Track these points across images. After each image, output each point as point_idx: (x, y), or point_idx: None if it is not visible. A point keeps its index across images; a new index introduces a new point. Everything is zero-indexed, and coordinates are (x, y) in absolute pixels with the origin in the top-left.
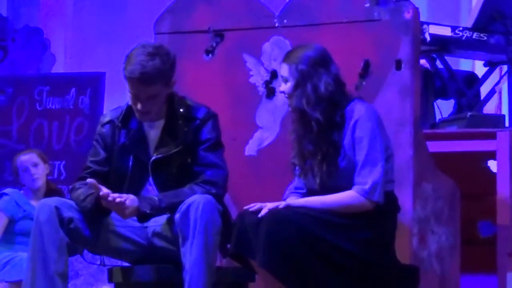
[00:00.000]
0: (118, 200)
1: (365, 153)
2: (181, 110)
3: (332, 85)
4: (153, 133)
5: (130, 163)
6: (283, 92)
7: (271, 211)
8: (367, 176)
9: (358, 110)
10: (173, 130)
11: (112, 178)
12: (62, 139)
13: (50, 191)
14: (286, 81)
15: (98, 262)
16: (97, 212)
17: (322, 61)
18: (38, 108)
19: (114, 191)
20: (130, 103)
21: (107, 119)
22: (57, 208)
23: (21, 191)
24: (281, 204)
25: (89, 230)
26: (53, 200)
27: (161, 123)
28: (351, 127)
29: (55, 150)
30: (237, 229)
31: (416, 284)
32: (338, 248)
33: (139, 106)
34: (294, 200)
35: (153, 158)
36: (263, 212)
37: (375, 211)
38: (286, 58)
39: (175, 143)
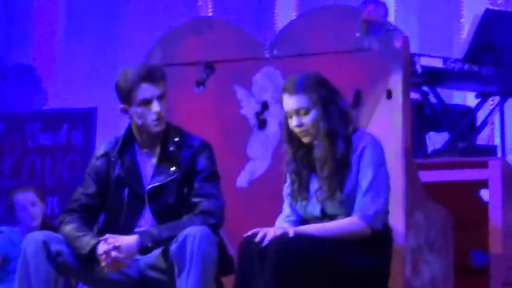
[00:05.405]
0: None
1: (369, 180)
2: (176, 139)
3: (346, 101)
4: (148, 163)
5: (126, 195)
6: (300, 125)
7: (276, 239)
8: (370, 203)
9: (365, 138)
10: (169, 158)
11: (109, 211)
12: (54, 175)
13: (45, 228)
14: (305, 112)
15: None
16: (89, 258)
17: (328, 82)
18: (30, 145)
19: (111, 224)
20: (139, 122)
21: (101, 152)
22: (44, 242)
23: (16, 228)
24: (281, 230)
25: (78, 264)
26: (41, 234)
27: (156, 152)
28: (358, 154)
29: (48, 186)
30: (240, 265)
31: None
32: (343, 274)
33: (155, 107)
34: (293, 228)
35: (149, 186)
36: (266, 241)
37: (376, 240)
38: (297, 89)
39: (171, 172)
